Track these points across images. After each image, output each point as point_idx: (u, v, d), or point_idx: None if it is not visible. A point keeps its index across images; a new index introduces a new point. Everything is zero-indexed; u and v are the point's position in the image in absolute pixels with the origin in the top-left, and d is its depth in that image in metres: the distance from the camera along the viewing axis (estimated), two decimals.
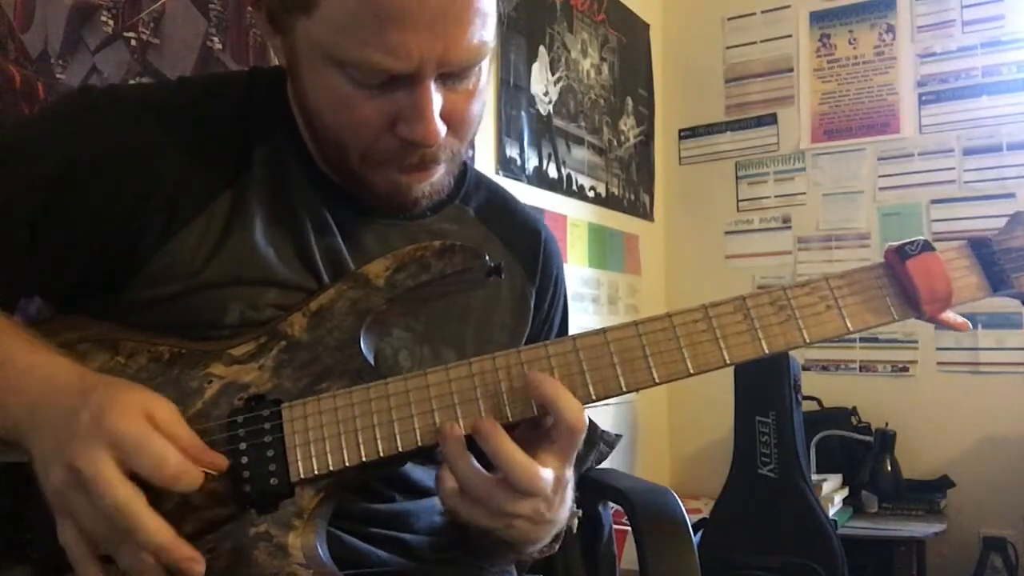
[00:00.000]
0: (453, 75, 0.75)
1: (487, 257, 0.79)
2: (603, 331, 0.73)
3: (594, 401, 0.72)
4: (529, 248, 0.98)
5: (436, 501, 0.91)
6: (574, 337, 0.74)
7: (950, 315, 0.74)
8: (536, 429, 0.72)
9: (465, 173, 0.96)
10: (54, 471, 0.65)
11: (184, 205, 0.79)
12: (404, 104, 0.74)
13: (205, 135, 0.81)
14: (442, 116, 0.75)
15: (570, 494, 0.76)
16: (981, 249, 0.74)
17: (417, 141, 0.75)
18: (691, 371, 0.72)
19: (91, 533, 0.65)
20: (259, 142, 0.84)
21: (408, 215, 0.88)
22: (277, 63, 0.85)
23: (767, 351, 0.72)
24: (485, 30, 0.74)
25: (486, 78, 0.80)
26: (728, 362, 0.72)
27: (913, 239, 0.74)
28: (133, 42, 1.44)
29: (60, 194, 0.77)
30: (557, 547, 0.83)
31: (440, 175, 0.82)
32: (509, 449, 0.69)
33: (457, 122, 0.78)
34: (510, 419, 0.72)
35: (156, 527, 0.64)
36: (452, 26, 0.71)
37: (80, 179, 0.77)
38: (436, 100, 0.74)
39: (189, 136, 0.81)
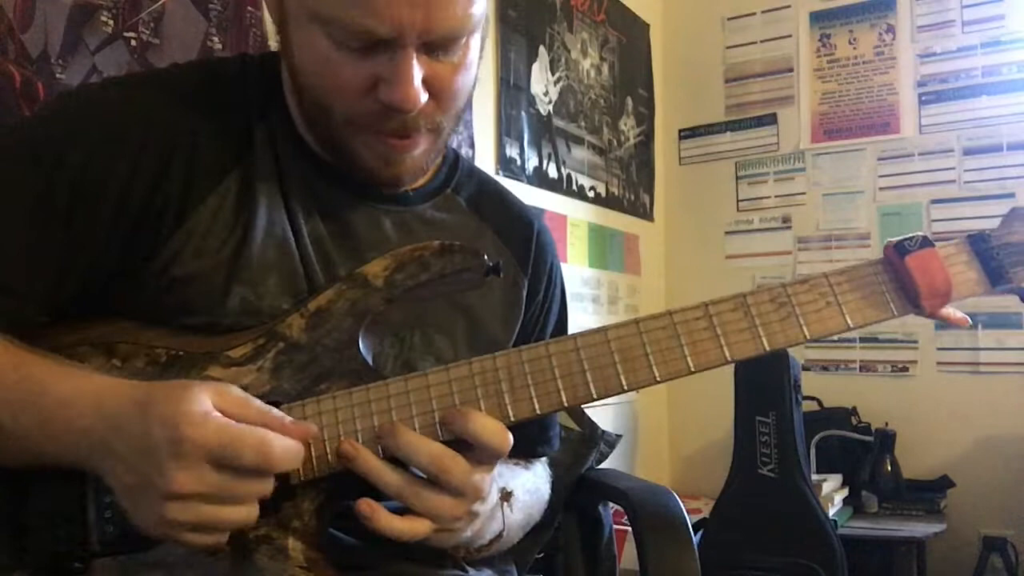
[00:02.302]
0: (437, 46, 0.76)
1: (486, 257, 0.78)
2: (604, 329, 0.73)
3: (595, 400, 0.72)
4: (521, 238, 0.98)
5: None
6: (575, 336, 0.73)
7: (949, 311, 0.75)
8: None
9: (457, 163, 0.97)
10: (150, 503, 0.64)
11: (200, 181, 0.79)
12: (385, 68, 0.75)
13: (212, 112, 0.82)
14: (425, 85, 0.76)
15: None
16: (979, 244, 0.75)
17: (395, 105, 0.75)
18: (692, 369, 0.72)
19: (232, 523, 0.66)
20: (257, 121, 0.84)
21: (392, 191, 0.88)
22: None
23: (768, 348, 0.72)
24: (472, 6, 0.75)
25: (477, 52, 0.81)
26: (729, 359, 0.72)
27: (912, 235, 0.74)
28: (133, 42, 1.44)
29: (86, 184, 0.76)
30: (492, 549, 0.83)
31: (422, 149, 0.82)
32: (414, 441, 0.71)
33: (440, 92, 0.78)
34: (512, 419, 0.72)
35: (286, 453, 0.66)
36: None
37: (102, 165, 0.77)
38: (417, 67, 0.75)
39: (198, 113, 0.81)
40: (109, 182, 0.77)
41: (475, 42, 0.80)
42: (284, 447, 0.66)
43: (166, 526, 0.65)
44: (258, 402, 0.69)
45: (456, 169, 0.96)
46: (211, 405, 0.65)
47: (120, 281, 0.79)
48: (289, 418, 0.69)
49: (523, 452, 0.96)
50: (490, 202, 0.98)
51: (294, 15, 0.77)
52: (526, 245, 0.98)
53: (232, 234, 0.80)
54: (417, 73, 0.75)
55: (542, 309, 1.00)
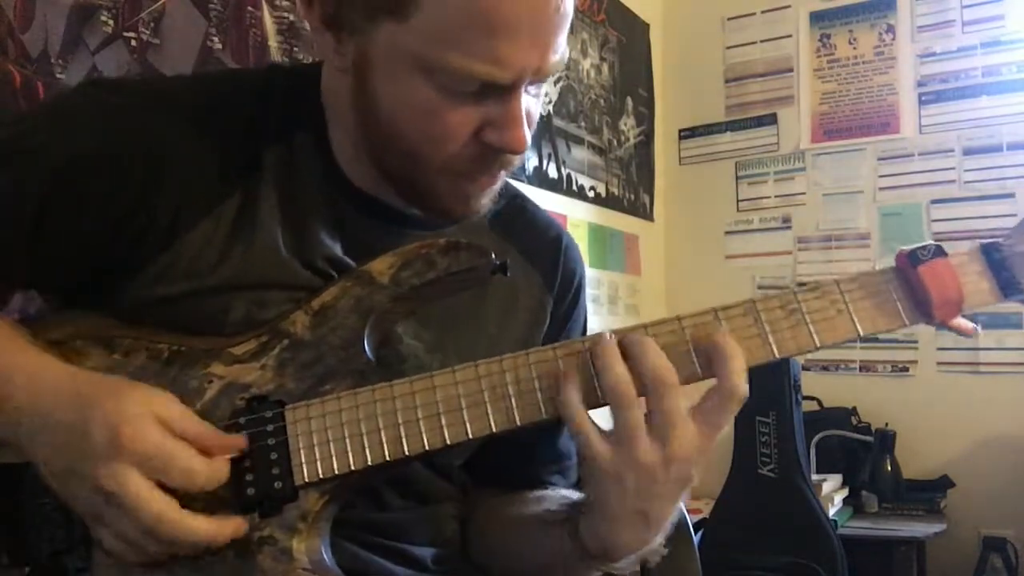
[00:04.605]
0: (535, 82, 0.76)
1: (493, 255, 0.78)
2: (611, 333, 0.72)
3: (604, 405, 0.71)
4: (548, 256, 0.96)
5: (440, 508, 0.90)
6: (583, 339, 0.72)
7: (960, 321, 0.74)
8: None
9: None
10: (78, 492, 0.66)
11: (192, 204, 0.78)
12: (495, 112, 0.74)
13: (217, 133, 0.80)
14: None
15: (676, 509, 0.74)
16: (992, 254, 0.73)
17: (509, 148, 0.75)
18: (701, 375, 0.71)
19: (132, 542, 0.66)
20: (273, 142, 0.82)
21: (413, 225, 0.86)
22: (286, 61, 0.83)
23: (777, 355, 0.71)
24: (566, 40, 0.76)
25: None
26: None
27: (924, 244, 0.73)
28: (133, 42, 1.44)
29: (64, 187, 0.76)
30: (630, 570, 0.79)
31: (500, 183, 0.82)
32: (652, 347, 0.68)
33: (531, 125, 0.78)
34: (518, 422, 0.71)
35: (197, 527, 0.66)
36: (551, 37, 0.73)
37: (84, 172, 0.76)
38: (524, 107, 0.75)
39: (200, 133, 0.79)
40: (90, 187, 0.76)
41: None
42: (208, 473, 0.67)
43: (91, 517, 0.67)
44: (194, 418, 0.69)
45: None
46: (152, 414, 0.66)
47: (105, 288, 0.78)
48: (221, 434, 0.70)
49: (531, 477, 0.94)
50: (515, 219, 0.96)
51: (385, 63, 0.74)
52: (553, 264, 0.96)
53: (230, 252, 0.78)
54: (525, 113, 0.75)
55: (563, 324, 0.98)
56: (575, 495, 0.82)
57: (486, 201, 0.82)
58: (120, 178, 0.76)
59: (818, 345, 0.71)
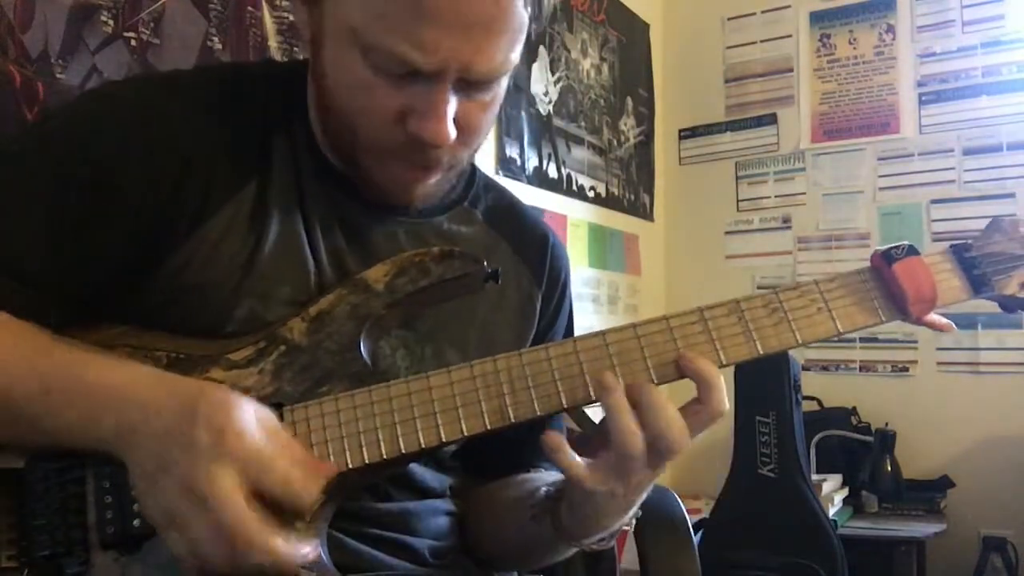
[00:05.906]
0: (473, 85, 0.76)
1: (485, 263, 0.80)
2: (602, 333, 0.74)
3: (594, 402, 0.73)
4: (536, 252, 0.99)
5: (439, 502, 0.91)
6: (574, 339, 0.75)
7: (934, 317, 0.77)
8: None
9: (474, 175, 0.97)
10: (167, 489, 0.64)
11: (216, 192, 0.79)
12: (419, 100, 0.75)
13: (233, 122, 0.82)
14: (454, 121, 0.76)
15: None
16: (962, 253, 0.78)
17: (425, 139, 0.76)
18: (678, 377, 0.74)
19: (199, 553, 0.63)
20: (277, 134, 0.84)
21: (405, 212, 0.88)
22: (286, 57, 0.85)
23: (761, 352, 0.74)
24: (513, 50, 0.76)
25: (503, 92, 0.82)
26: (724, 363, 0.74)
27: (898, 243, 0.77)
28: (133, 42, 1.44)
29: (101, 186, 0.76)
30: (611, 544, 0.83)
31: (436, 179, 0.83)
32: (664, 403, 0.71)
33: (467, 130, 0.79)
34: (512, 420, 0.73)
35: (276, 545, 0.63)
36: (483, 37, 0.73)
37: (119, 168, 0.77)
38: (451, 103, 0.75)
39: (220, 124, 0.81)
40: (128, 180, 0.77)
41: (506, 81, 0.80)
42: (305, 486, 0.65)
43: (166, 517, 0.64)
44: (291, 437, 0.69)
45: (473, 182, 0.96)
46: (255, 421, 0.66)
47: (127, 285, 0.78)
48: (318, 460, 0.70)
49: (522, 463, 0.96)
50: (505, 215, 0.98)
51: (333, 35, 0.77)
52: (541, 259, 0.99)
53: (245, 244, 0.80)
54: (450, 110, 0.75)
55: (552, 321, 1.00)
56: (555, 482, 0.83)
57: (423, 193, 0.84)
58: (154, 166, 0.77)
59: (799, 341, 0.75)
